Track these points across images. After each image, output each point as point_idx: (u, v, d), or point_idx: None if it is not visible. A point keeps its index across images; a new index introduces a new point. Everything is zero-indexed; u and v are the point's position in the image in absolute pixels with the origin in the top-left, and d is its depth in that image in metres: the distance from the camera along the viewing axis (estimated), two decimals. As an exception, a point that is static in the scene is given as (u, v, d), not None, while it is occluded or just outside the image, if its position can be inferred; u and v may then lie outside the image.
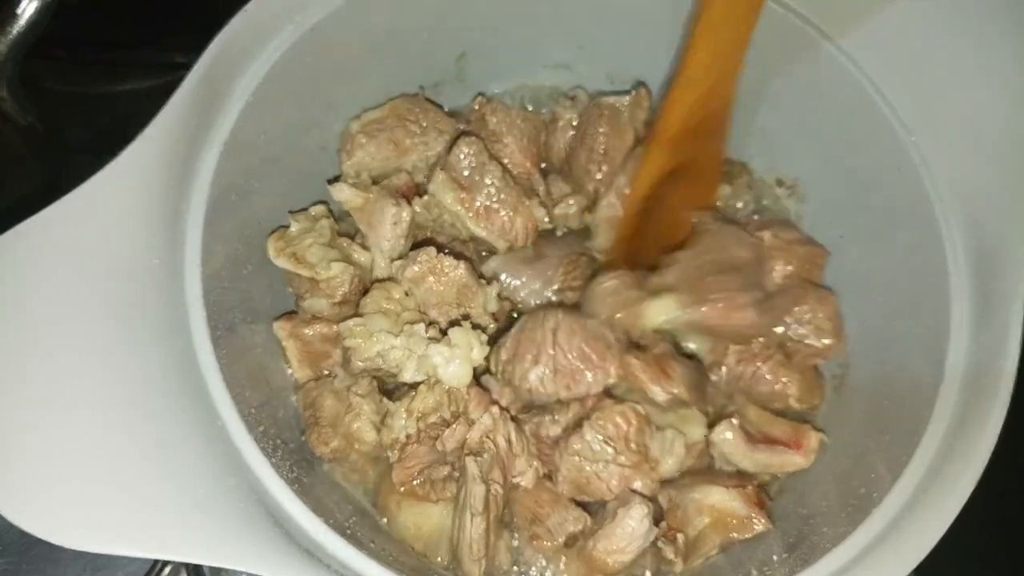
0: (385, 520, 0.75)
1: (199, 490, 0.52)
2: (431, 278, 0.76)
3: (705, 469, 0.77)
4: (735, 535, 0.71)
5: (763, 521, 0.70)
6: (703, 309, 0.75)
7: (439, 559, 0.72)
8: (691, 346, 0.81)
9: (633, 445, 0.72)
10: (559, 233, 0.89)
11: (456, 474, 0.72)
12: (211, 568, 0.76)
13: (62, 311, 0.53)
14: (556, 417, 0.73)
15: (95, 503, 0.49)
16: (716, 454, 0.75)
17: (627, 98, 0.88)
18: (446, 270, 0.76)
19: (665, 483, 0.74)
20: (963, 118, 0.71)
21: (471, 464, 0.68)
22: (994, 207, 0.68)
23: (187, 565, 0.78)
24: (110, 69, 1.07)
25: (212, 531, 0.51)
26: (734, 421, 0.75)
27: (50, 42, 0.89)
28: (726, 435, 0.74)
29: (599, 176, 0.87)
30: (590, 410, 0.73)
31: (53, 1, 0.79)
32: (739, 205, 0.90)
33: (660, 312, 0.76)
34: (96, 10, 1.02)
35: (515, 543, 0.74)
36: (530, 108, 0.93)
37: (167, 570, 0.78)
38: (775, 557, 0.69)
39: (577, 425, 0.72)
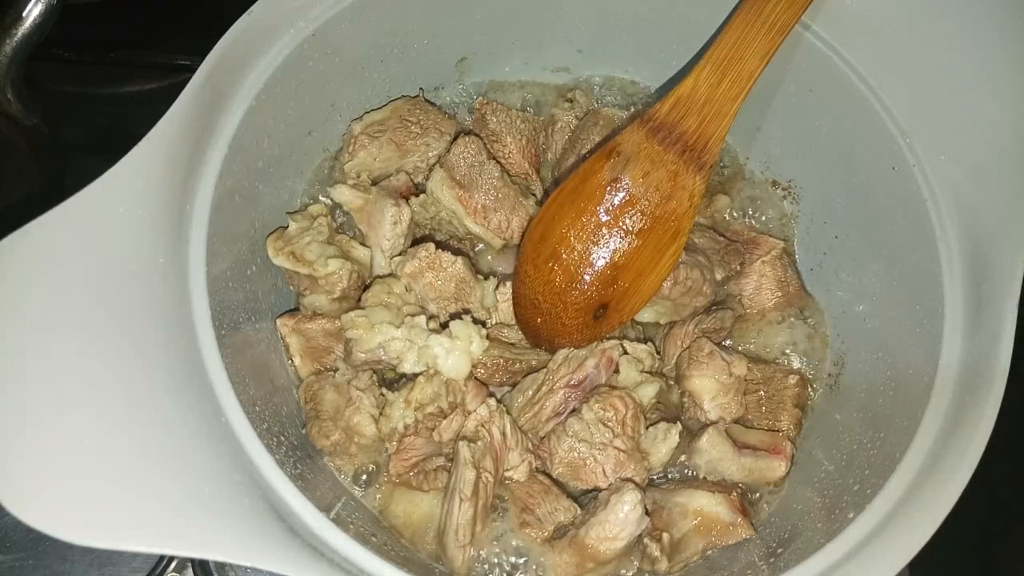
0: (378, 509, 0.76)
1: (204, 486, 0.53)
2: (430, 273, 0.77)
3: (689, 478, 0.77)
4: (718, 540, 0.71)
5: (747, 528, 0.71)
6: None
7: (425, 547, 0.72)
8: (644, 316, 0.81)
9: (629, 430, 0.73)
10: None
11: (449, 464, 0.73)
12: (216, 563, 0.76)
13: (69, 310, 0.54)
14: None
15: (100, 499, 0.49)
16: (703, 463, 0.76)
17: (625, 113, 0.89)
18: (444, 265, 0.77)
19: (650, 487, 0.75)
20: (958, 120, 0.72)
21: (463, 448, 0.69)
22: (987, 208, 0.69)
23: (192, 560, 0.79)
24: (114, 70, 1.07)
25: (217, 526, 0.51)
26: (720, 427, 0.76)
27: (54, 43, 0.89)
28: (715, 440, 0.75)
29: None
30: (587, 394, 0.74)
31: (58, 3, 0.79)
32: (734, 215, 0.91)
33: None
34: (100, 12, 1.02)
35: (503, 535, 0.74)
36: (530, 111, 0.94)
37: (172, 565, 0.79)
38: (764, 557, 0.70)
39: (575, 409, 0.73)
